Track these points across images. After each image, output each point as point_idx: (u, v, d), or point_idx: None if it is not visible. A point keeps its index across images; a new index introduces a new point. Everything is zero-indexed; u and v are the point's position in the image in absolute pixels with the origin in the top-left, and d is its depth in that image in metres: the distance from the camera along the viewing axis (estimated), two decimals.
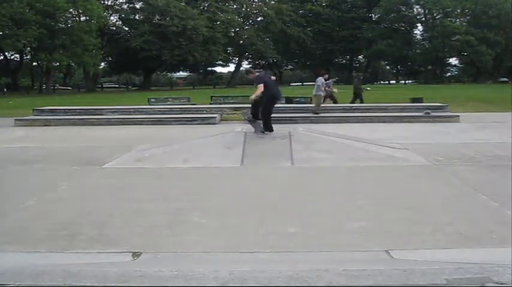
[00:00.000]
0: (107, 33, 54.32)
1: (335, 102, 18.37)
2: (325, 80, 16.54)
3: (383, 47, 59.57)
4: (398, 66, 71.10)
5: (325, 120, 14.42)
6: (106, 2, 54.77)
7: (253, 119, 9.68)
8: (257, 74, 9.98)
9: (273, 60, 67.42)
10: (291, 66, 77.72)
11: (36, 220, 4.82)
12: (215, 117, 15.21)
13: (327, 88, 17.52)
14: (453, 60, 67.21)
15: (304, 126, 11.05)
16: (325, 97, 17.52)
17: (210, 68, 70.85)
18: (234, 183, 6.67)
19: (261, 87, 9.03)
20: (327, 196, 5.70)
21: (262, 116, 9.45)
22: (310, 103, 17.64)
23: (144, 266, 3.04)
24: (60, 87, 58.40)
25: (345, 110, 16.61)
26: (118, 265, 2.90)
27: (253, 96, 9.35)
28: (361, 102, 18.88)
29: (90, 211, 5.13)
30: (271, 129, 9.47)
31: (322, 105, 16.42)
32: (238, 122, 13.28)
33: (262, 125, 9.58)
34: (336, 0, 65.98)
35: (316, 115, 15.20)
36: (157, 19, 52.08)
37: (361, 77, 19.83)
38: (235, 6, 62.59)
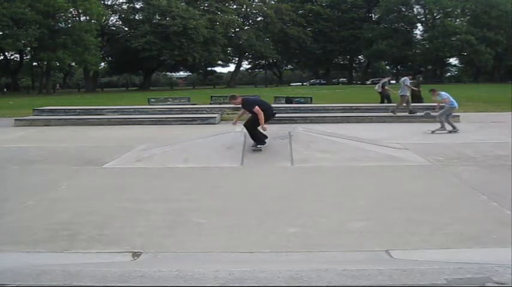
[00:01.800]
0: (107, 33, 54.30)
1: (389, 101, 18.53)
2: (410, 80, 16.37)
3: (383, 47, 59.48)
4: (399, 66, 71.04)
5: (325, 120, 14.42)
6: (106, 2, 54.74)
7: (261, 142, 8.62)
8: (242, 98, 8.95)
9: (273, 60, 67.39)
10: (290, 66, 77.70)
11: (36, 220, 4.82)
12: (215, 117, 15.21)
13: (386, 87, 18.92)
14: (453, 60, 67.24)
15: (304, 126, 11.04)
16: (383, 96, 18.51)
17: (210, 68, 70.77)
18: (234, 183, 6.67)
19: (259, 111, 8.21)
20: (327, 196, 5.70)
21: (249, 127, 8.51)
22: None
23: (144, 266, 3.04)
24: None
25: (344, 110, 16.61)
26: (118, 265, 2.91)
27: (265, 125, 8.33)
28: (419, 102, 18.15)
29: (90, 211, 5.13)
30: (263, 141, 8.55)
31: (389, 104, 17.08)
32: (238, 122, 13.24)
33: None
34: (336, 0, 65.92)
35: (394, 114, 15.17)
36: (157, 19, 52.04)
37: (421, 78, 19.63)
38: (235, 6, 62.55)
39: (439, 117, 11.96)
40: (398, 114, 15.07)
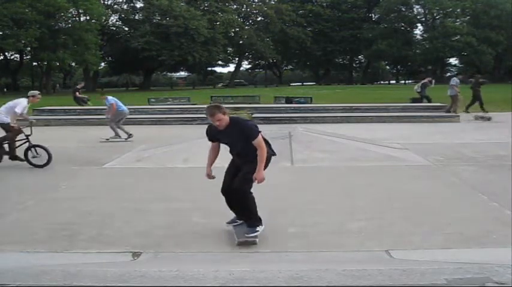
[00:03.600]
0: (107, 33, 54.26)
1: (429, 101, 18.70)
2: (461, 81, 16.57)
3: (383, 47, 59.43)
4: (399, 66, 71.06)
5: (325, 121, 14.42)
6: (106, 2, 54.72)
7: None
8: (231, 115, 4.45)
9: (273, 60, 67.36)
10: (291, 67, 77.69)
11: (36, 220, 4.82)
12: None
13: (429, 87, 19.26)
14: (453, 60, 67.18)
15: (304, 127, 11.04)
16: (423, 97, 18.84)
17: (210, 68, 70.73)
18: None
19: (262, 143, 4.37)
20: (327, 196, 5.70)
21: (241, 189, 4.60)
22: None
23: (144, 266, 3.04)
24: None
25: (345, 110, 16.62)
26: (118, 265, 2.90)
27: (262, 174, 4.53)
28: (481, 105, 16.46)
29: (90, 211, 5.13)
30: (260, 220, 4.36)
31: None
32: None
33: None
34: (336, 0, 65.91)
35: (449, 113, 15.25)
36: (158, 19, 52.03)
37: (480, 78, 18.87)
38: (235, 6, 62.54)
39: (110, 124, 11.21)
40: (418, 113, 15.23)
